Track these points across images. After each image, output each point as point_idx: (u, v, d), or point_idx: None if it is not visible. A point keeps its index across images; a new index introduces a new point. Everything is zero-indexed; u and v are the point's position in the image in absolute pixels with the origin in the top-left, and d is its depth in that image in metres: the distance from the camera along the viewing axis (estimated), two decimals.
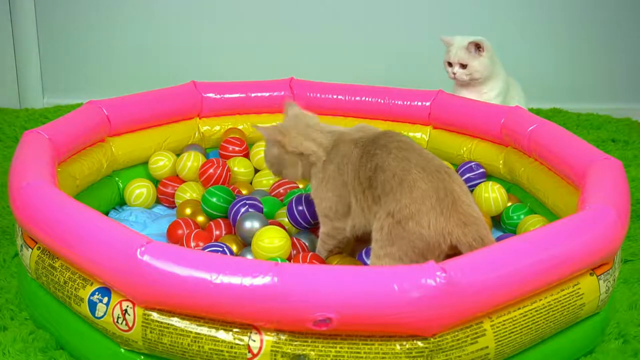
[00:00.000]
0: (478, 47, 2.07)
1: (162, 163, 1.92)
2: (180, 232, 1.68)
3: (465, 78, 2.11)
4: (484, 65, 2.09)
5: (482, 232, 1.30)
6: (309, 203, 1.58)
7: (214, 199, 1.72)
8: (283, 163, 1.51)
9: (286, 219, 1.68)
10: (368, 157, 1.38)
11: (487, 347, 1.19)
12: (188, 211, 1.77)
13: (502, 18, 2.87)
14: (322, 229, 1.52)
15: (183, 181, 1.90)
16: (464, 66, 2.10)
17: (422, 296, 1.11)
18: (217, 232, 1.68)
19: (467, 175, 1.90)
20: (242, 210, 1.67)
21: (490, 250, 1.23)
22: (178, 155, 1.96)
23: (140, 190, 1.87)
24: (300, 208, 1.62)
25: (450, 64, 2.12)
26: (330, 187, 1.45)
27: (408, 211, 1.29)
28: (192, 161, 1.90)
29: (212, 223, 1.70)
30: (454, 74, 2.11)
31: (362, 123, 1.57)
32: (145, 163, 1.95)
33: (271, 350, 1.15)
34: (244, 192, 1.86)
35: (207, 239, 1.63)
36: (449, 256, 1.29)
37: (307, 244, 1.62)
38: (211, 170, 1.85)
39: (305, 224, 1.63)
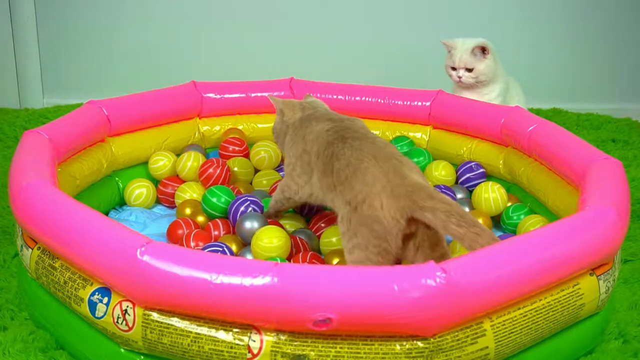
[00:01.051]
0: (483, 50, 2.07)
1: (161, 163, 1.93)
2: (180, 232, 1.68)
3: (471, 81, 2.09)
4: (490, 67, 2.08)
5: (428, 202, 1.28)
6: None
7: (214, 199, 1.72)
8: (282, 134, 1.62)
9: (285, 220, 1.68)
10: (327, 145, 1.44)
11: (487, 347, 1.19)
12: (188, 211, 1.77)
13: (502, 18, 2.87)
14: (282, 181, 1.61)
15: (183, 181, 1.90)
16: (469, 70, 2.09)
17: (422, 296, 1.11)
18: (216, 232, 1.68)
19: (467, 175, 1.90)
20: (242, 208, 1.67)
21: (490, 250, 1.23)
22: (178, 155, 1.96)
23: (140, 190, 1.87)
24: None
25: (453, 68, 2.11)
26: (294, 150, 1.55)
27: (361, 196, 1.32)
28: (192, 161, 1.90)
29: (210, 223, 1.70)
30: (460, 77, 2.10)
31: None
32: (145, 163, 1.96)
33: (271, 351, 1.15)
34: (244, 192, 1.86)
35: (207, 239, 1.63)
36: (407, 235, 1.32)
37: (307, 241, 1.62)
38: (211, 170, 1.85)
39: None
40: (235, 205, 1.68)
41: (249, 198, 1.69)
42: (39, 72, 2.90)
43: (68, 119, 1.78)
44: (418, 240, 1.33)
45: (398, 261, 1.36)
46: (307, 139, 1.51)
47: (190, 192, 1.85)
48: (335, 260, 1.54)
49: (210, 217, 1.74)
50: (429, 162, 1.95)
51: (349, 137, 1.43)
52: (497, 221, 1.81)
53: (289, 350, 1.15)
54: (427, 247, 1.33)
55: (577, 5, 2.88)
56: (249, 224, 1.61)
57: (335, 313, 1.11)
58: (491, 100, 2.10)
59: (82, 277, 1.31)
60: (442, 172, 1.91)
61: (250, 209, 1.67)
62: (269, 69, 2.42)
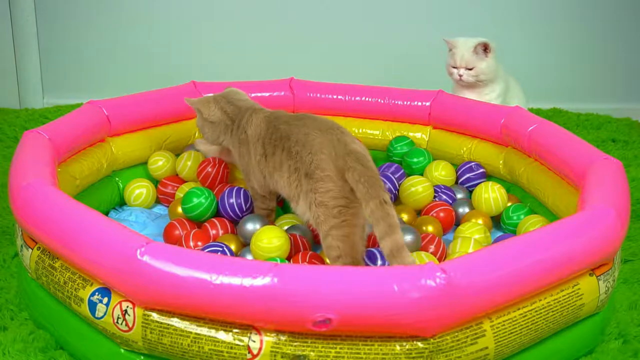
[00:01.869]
0: (485, 48, 2.07)
1: (160, 163, 1.93)
2: (177, 232, 1.67)
3: (471, 80, 2.09)
4: (491, 67, 2.08)
5: (367, 172, 1.41)
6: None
7: (195, 200, 1.73)
8: (204, 127, 1.73)
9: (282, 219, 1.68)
10: (274, 129, 1.56)
11: (486, 347, 1.19)
12: (180, 210, 1.77)
13: (502, 18, 2.87)
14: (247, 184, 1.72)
15: (183, 181, 1.91)
16: (470, 68, 2.09)
17: (422, 297, 1.11)
18: (214, 232, 1.67)
19: (467, 175, 1.90)
20: (231, 200, 1.70)
21: (490, 250, 1.24)
22: (178, 155, 1.96)
23: (140, 190, 1.88)
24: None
25: (455, 67, 2.11)
26: (242, 150, 1.66)
27: (314, 165, 1.45)
28: (191, 161, 1.90)
29: (207, 223, 1.70)
30: (460, 76, 2.09)
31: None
32: (145, 163, 1.95)
33: (271, 351, 1.15)
34: None
35: (206, 239, 1.63)
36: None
37: (306, 240, 1.62)
38: (209, 169, 1.85)
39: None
40: (224, 199, 1.70)
41: (234, 188, 1.72)
42: (39, 72, 2.90)
43: (68, 119, 1.78)
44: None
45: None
46: (249, 132, 1.62)
47: None
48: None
49: (196, 220, 1.74)
50: (429, 162, 1.95)
51: (291, 118, 1.58)
52: (497, 221, 1.81)
53: (289, 351, 1.15)
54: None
55: (577, 5, 2.87)
56: (251, 226, 1.61)
57: (335, 313, 1.11)
58: (491, 100, 2.10)
59: (82, 277, 1.31)
60: (442, 172, 1.91)
61: (240, 199, 1.69)
62: (269, 69, 2.42)
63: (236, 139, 1.67)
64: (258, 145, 1.59)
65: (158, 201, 1.93)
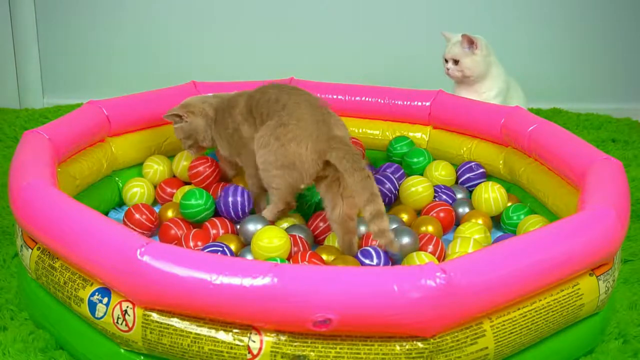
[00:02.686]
0: (471, 43, 2.07)
1: (152, 171, 1.91)
2: (173, 232, 1.67)
3: (457, 74, 2.11)
4: (476, 63, 2.08)
5: (347, 155, 1.50)
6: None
7: (192, 201, 1.72)
8: (184, 132, 1.78)
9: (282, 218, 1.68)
10: (261, 94, 1.64)
11: (486, 347, 1.19)
12: (170, 214, 1.76)
13: (502, 18, 2.87)
14: (246, 172, 1.75)
15: (180, 184, 1.89)
16: (456, 62, 2.10)
17: (422, 297, 1.11)
18: (214, 231, 1.67)
19: (467, 175, 1.90)
20: (232, 199, 1.69)
21: (490, 250, 1.24)
22: (171, 157, 1.96)
23: (135, 189, 1.85)
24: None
25: (446, 60, 2.13)
26: (225, 140, 1.72)
27: (292, 134, 1.53)
28: (184, 160, 1.90)
29: (207, 222, 1.69)
30: (447, 69, 2.12)
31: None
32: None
33: (271, 351, 1.15)
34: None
35: (206, 239, 1.63)
36: (320, 177, 1.57)
37: (307, 240, 1.62)
38: (200, 168, 1.84)
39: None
40: (223, 198, 1.69)
41: (237, 188, 1.71)
42: (39, 72, 2.89)
43: (68, 119, 1.78)
44: (329, 181, 1.57)
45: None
46: (233, 113, 1.69)
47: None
48: (333, 258, 1.54)
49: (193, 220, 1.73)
50: (429, 162, 1.95)
51: (283, 86, 1.66)
52: (497, 221, 1.80)
53: (288, 351, 1.15)
54: (336, 187, 1.57)
55: (577, 5, 2.87)
56: (252, 227, 1.61)
57: (335, 313, 1.11)
58: (490, 99, 2.10)
59: (82, 277, 1.31)
60: (442, 172, 1.91)
61: (239, 197, 1.69)
62: (269, 69, 2.41)
63: (221, 126, 1.73)
64: (249, 117, 1.65)
65: (157, 202, 1.93)
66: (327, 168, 1.55)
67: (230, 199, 1.70)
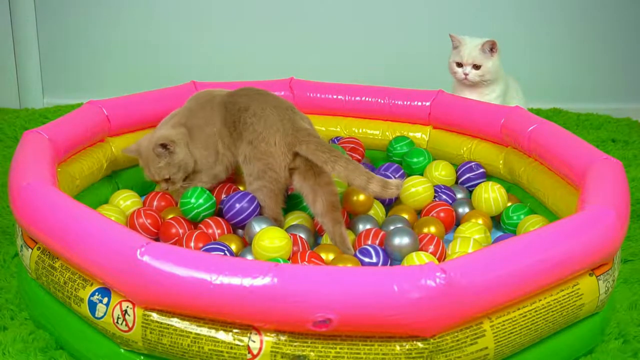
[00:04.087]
0: (492, 47, 2.05)
1: (124, 205, 1.80)
2: (174, 230, 1.66)
3: (477, 79, 2.08)
4: (496, 67, 2.07)
5: (314, 147, 1.59)
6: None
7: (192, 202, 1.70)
8: (175, 165, 1.72)
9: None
10: (232, 104, 1.71)
11: (486, 347, 1.19)
12: (171, 215, 1.75)
13: (502, 18, 2.87)
14: (204, 178, 1.77)
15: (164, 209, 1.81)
16: (477, 67, 2.08)
17: (422, 297, 1.11)
18: (210, 231, 1.66)
19: (467, 175, 1.90)
20: (237, 206, 1.66)
21: (490, 250, 1.24)
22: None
23: (126, 202, 1.78)
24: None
25: (459, 64, 2.09)
26: (199, 145, 1.74)
27: (262, 136, 1.63)
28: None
29: (209, 220, 1.68)
30: (466, 74, 2.08)
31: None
32: None
33: (271, 351, 1.15)
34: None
35: (206, 239, 1.62)
36: (293, 169, 1.64)
37: (307, 240, 1.62)
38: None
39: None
40: (230, 202, 1.68)
41: (245, 195, 1.68)
42: (39, 72, 2.90)
43: (68, 119, 1.78)
44: (302, 171, 1.63)
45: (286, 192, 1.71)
46: (204, 127, 1.73)
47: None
48: (332, 257, 1.54)
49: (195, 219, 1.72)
50: (429, 162, 1.95)
51: (252, 93, 1.72)
52: (497, 221, 1.81)
53: (288, 351, 1.15)
54: (311, 176, 1.62)
55: (577, 5, 2.88)
56: (257, 228, 1.60)
57: (335, 313, 1.11)
58: (491, 100, 2.09)
59: (82, 277, 1.31)
60: (442, 172, 1.91)
61: (245, 204, 1.66)
62: (269, 69, 2.42)
63: (198, 140, 1.74)
64: (223, 130, 1.71)
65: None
66: (296, 159, 1.63)
67: (238, 204, 1.67)
